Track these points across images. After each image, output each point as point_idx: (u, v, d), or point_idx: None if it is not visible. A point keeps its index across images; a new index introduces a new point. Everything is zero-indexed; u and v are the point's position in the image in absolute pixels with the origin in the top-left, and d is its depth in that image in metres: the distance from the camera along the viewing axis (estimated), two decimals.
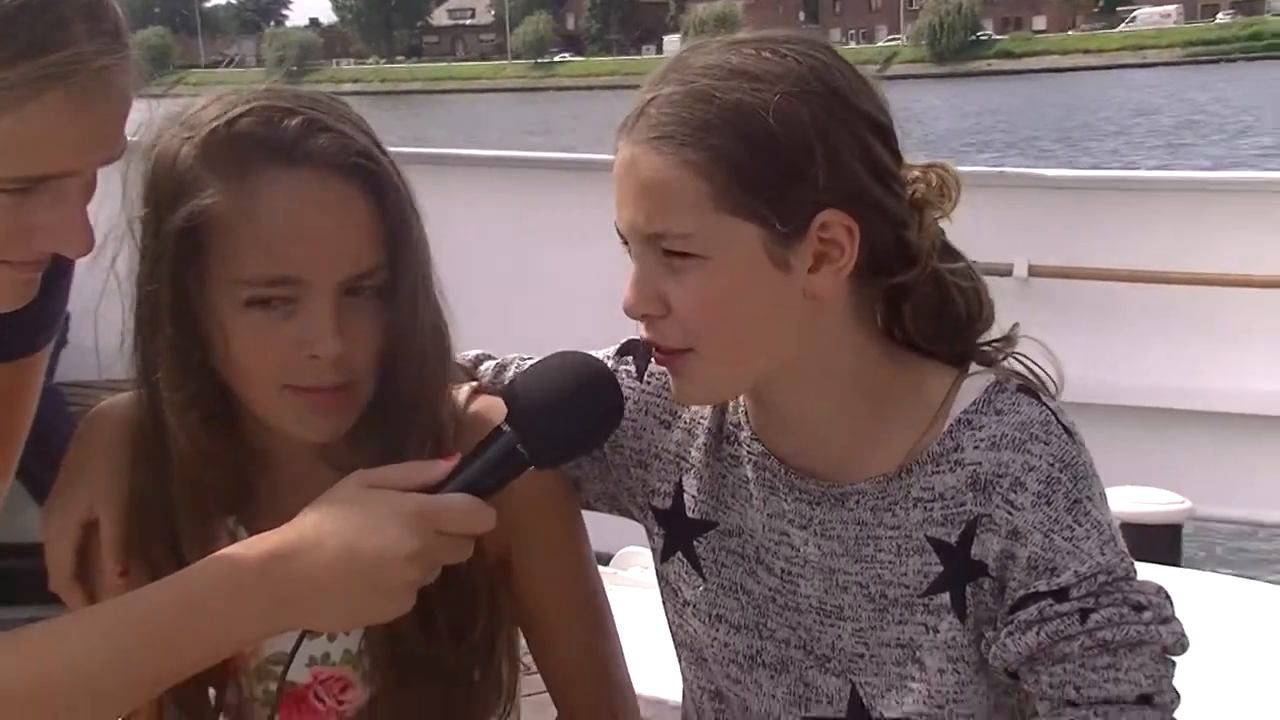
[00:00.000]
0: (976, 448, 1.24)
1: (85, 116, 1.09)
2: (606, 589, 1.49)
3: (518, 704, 1.47)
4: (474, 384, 1.42)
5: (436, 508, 1.17)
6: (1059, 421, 1.24)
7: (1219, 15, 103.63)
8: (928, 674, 1.26)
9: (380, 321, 1.26)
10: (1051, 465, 1.21)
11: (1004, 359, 1.30)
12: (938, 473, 1.25)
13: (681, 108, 1.19)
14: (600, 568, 1.63)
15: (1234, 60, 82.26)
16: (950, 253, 1.30)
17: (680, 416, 1.39)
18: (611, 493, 1.45)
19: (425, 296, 1.29)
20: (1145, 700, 1.18)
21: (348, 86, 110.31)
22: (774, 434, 1.32)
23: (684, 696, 1.47)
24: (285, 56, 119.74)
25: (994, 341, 1.30)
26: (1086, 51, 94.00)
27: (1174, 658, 1.21)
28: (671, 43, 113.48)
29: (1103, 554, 1.20)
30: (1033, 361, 1.29)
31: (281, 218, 1.22)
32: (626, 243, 1.26)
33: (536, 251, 4.67)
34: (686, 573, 1.39)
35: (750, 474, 1.34)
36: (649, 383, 1.40)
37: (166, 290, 1.24)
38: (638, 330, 1.28)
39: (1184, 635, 1.21)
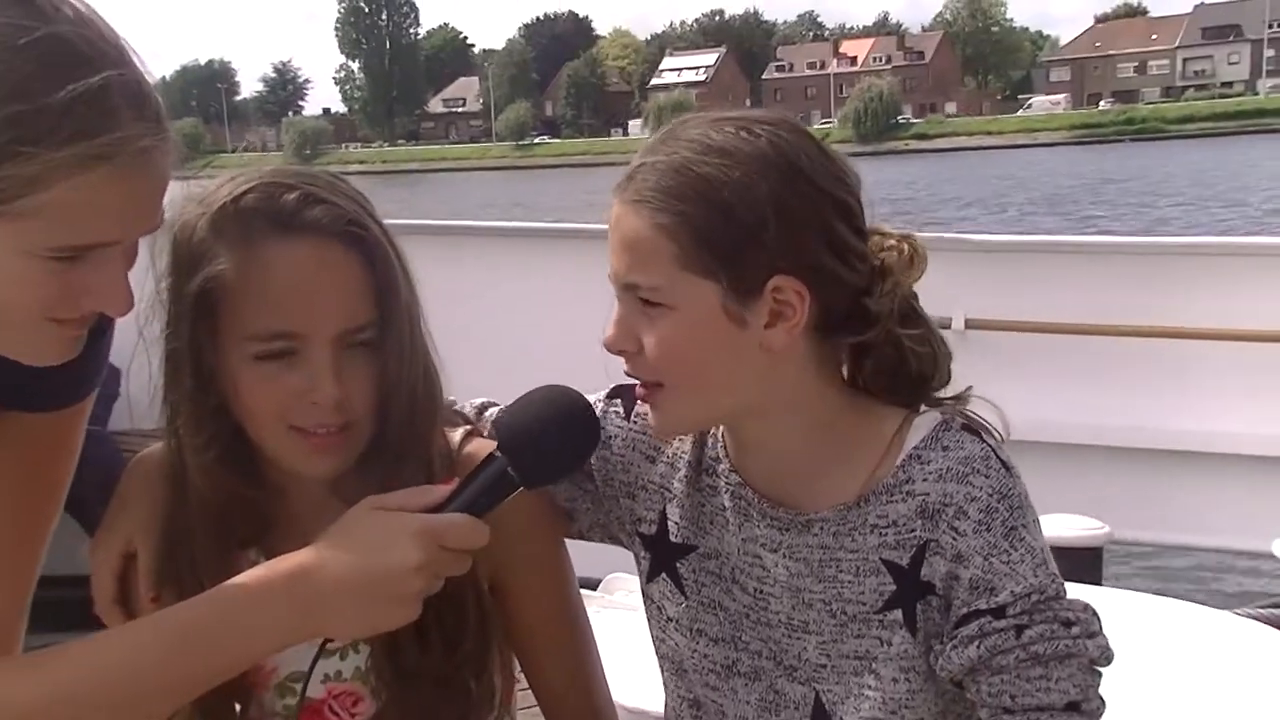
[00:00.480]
0: (925, 480, 1.25)
1: (127, 191, 1.11)
2: (595, 611, 1.54)
3: (514, 715, 1.51)
4: (468, 427, 1.45)
5: (439, 525, 1.20)
6: (998, 456, 1.26)
7: (1100, 104, 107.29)
8: (882, 683, 1.27)
9: (374, 369, 1.29)
10: (991, 496, 1.22)
11: (950, 404, 1.32)
12: (891, 502, 1.27)
13: (662, 176, 1.23)
14: (588, 592, 1.75)
15: (1111, 141, 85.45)
16: (912, 318, 1.31)
17: (663, 452, 1.42)
18: (603, 522, 1.48)
19: (414, 347, 1.32)
20: (1073, 707, 1.19)
21: (354, 167, 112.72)
22: (748, 466, 1.35)
23: (665, 707, 1.48)
24: (300, 142, 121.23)
25: (946, 399, 1.32)
26: (989, 133, 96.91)
27: (1100, 668, 1.22)
28: (634, 126, 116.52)
29: (1036, 575, 1.21)
30: (974, 412, 1.31)
31: (282, 280, 1.25)
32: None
33: (520, 309, 4.59)
34: (670, 591, 1.41)
35: (727, 502, 1.36)
36: (635, 422, 1.44)
37: (185, 347, 1.28)
38: (623, 371, 1.32)
39: (1109, 648, 1.22)
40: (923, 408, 1.31)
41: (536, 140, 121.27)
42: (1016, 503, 1.23)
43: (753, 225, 1.20)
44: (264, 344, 1.26)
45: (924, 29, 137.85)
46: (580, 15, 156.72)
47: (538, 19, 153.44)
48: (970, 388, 1.32)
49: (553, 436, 1.27)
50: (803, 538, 1.30)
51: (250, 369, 1.26)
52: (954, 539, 1.23)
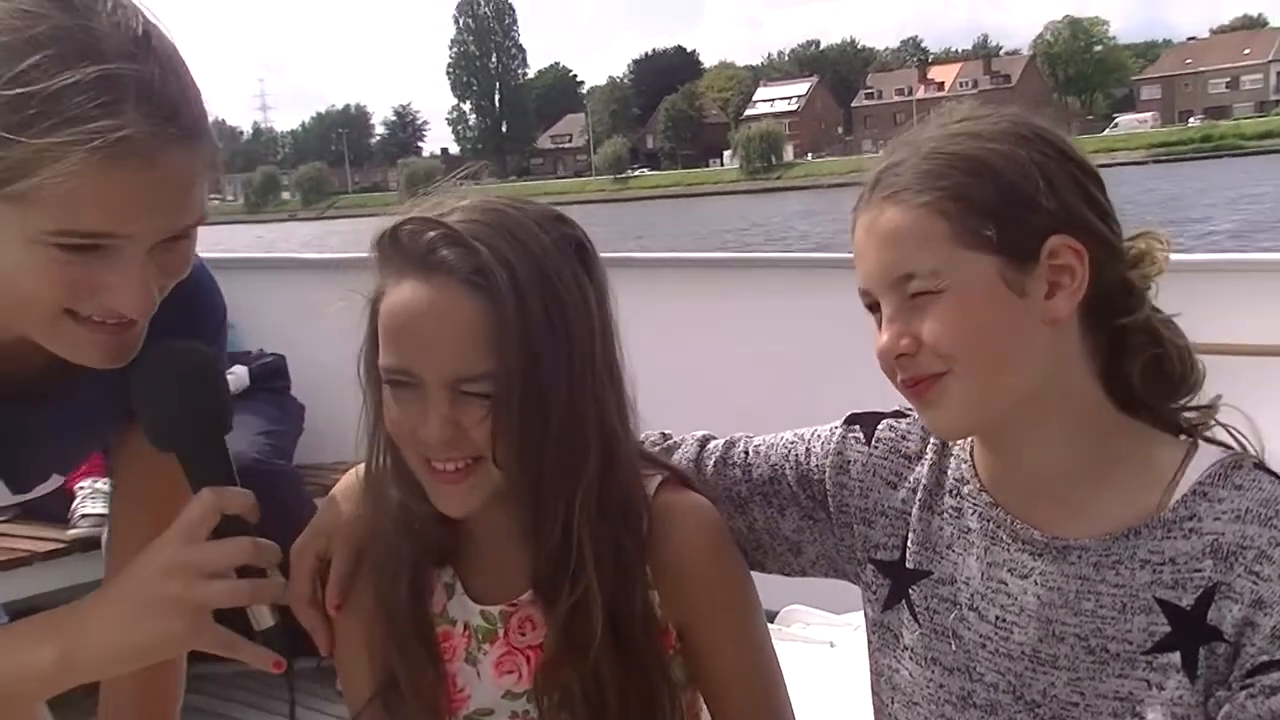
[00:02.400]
0: (1217, 519, 1.16)
1: (129, 182, 1.08)
2: (779, 644, 1.45)
3: None
4: (665, 475, 1.38)
5: (175, 526, 1.17)
6: None
7: (1190, 120, 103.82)
8: None
9: (499, 413, 1.23)
10: None
11: (1212, 427, 1.25)
12: (1169, 538, 1.18)
13: (913, 166, 1.19)
14: (767, 625, 1.69)
15: (1188, 159, 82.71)
16: (1157, 310, 1.26)
17: (905, 478, 1.36)
18: (830, 554, 1.42)
19: (550, 397, 1.24)
20: None
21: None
22: (1001, 487, 1.28)
23: None
24: (411, 182, 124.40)
25: (1198, 408, 1.25)
26: None
27: None
28: (728, 157, 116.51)
29: None
30: (1239, 433, 1.24)
31: (405, 318, 1.23)
32: (871, 309, 1.24)
33: (712, 340, 4.24)
34: (906, 619, 1.34)
35: (974, 524, 1.29)
36: (877, 447, 1.38)
37: (364, 363, 1.31)
38: (899, 381, 1.23)
39: None
40: (1200, 441, 1.24)
41: (634, 173, 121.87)
42: None
43: (1022, 185, 1.16)
44: (390, 375, 1.27)
45: (1021, 52, 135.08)
46: (688, 49, 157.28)
47: (646, 54, 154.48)
48: (1219, 396, 1.26)
49: (179, 407, 1.23)
50: (1058, 565, 1.22)
51: (387, 390, 1.28)
52: (1254, 584, 1.13)
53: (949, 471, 1.33)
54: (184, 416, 1.24)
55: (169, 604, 1.15)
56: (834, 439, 1.40)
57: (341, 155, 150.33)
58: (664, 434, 1.50)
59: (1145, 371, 1.24)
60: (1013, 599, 1.25)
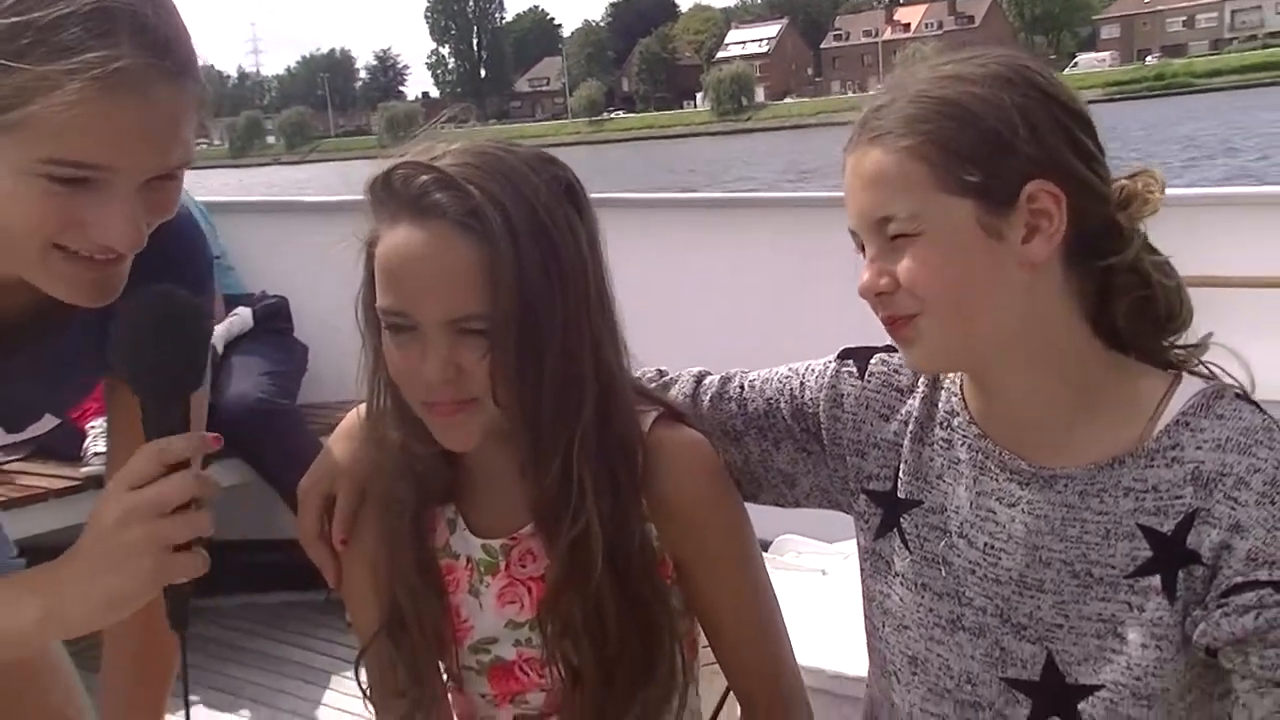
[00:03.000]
0: (1199, 448, 1.16)
1: (118, 113, 1.07)
2: (772, 573, 1.45)
3: (695, 674, 1.44)
4: (659, 410, 1.37)
5: (120, 474, 1.14)
6: None
7: (1148, 59, 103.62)
8: (1129, 647, 1.18)
9: (494, 354, 1.22)
10: (1276, 468, 1.13)
11: (1197, 364, 1.23)
12: (1151, 467, 1.18)
13: (896, 109, 1.18)
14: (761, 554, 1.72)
15: (1142, 98, 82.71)
16: (1151, 249, 1.23)
17: (898, 411, 1.36)
18: (824, 485, 1.42)
19: (546, 338, 1.23)
20: None
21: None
22: (990, 417, 1.27)
23: (870, 669, 1.41)
24: (390, 126, 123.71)
25: (1187, 346, 1.24)
26: None
27: None
28: (700, 99, 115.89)
29: None
30: (1220, 368, 1.23)
31: (401, 261, 1.22)
32: (860, 248, 1.24)
33: (701, 279, 4.17)
34: (898, 546, 1.34)
35: (963, 455, 1.29)
36: (870, 381, 1.38)
37: (362, 306, 1.29)
38: (879, 318, 1.23)
39: None
40: (1184, 373, 1.23)
41: (609, 116, 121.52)
42: None
43: (1001, 129, 1.15)
44: (388, 318, 1.25)
45: None
46: None
47: None
48: (1210, 334, 1.24)
49: (146, 355, 1.17)
50: (1044, 494, 1.23)
51: (386, 337, 1.27)
52: (1231, 509, 1.13)
53: (939, 404, 1.33)
54: (152, 364, 1.17)
55: (131, 549, 1.13)
56: (828, 373, 1.40)
57: (325, 100, 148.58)
58: (660, 371, 1.50)
59: (1131, 312, 1.22)
60: (1001, 526, 1.25)
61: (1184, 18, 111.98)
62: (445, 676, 1.41)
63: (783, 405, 1.41)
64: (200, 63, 1.15)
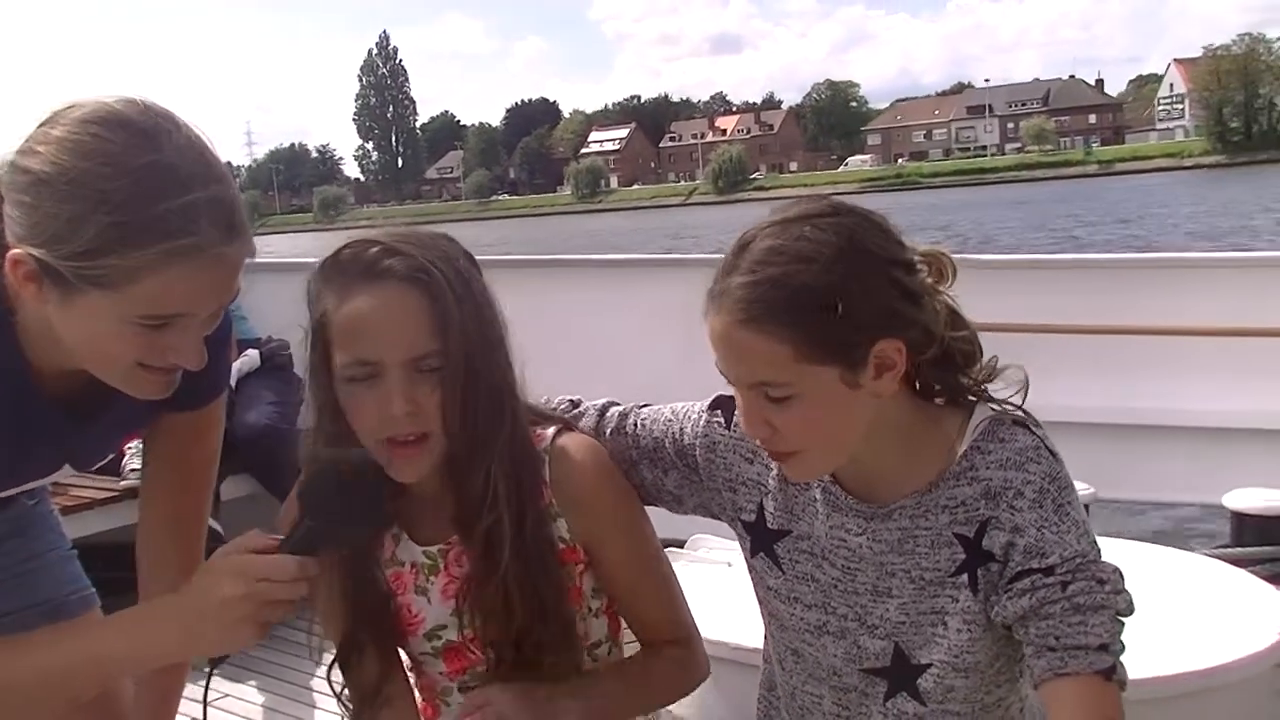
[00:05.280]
0: (988, 468, 1.24)
1: (204, 280, 1.16)
2: (684, 565, 1.56)
3: (621, 647, 1.48)
4: (560, 426, 1.41)
5: (254, 563, 1.20)
6: (1046, 446, 1.25)
7: (899, 161, 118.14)
8: (950, 632, 1.27)
9: (443, 390, 1.26)
10: (1043, 479, 1.22)
11: (988, 396, 1.29)
12: (958, 486, 1.25)
13: (754, 294, 1.18)
14: (676, 549, 1.83)
15: (886, 190, 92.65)
16: (956, 319, 1.28)
17: (759, 454, 1.36)
18: (706, 504, 1.45)
19: (477, 369, 1.28)
20: (1104, 648, 1.18)
21: (363, 223, 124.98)
22: (838, 468, 1.31)
23: (766, 646, 1.47)
24: (324, 205, 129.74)
25: (984, 384, 1.29)
26: (806, 185, 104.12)
27: (1124, 618, 1.21)
28: (564, 187, 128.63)
29: (1079, 543, 1.21)
30: (1014, 404, 1.28)
31: (364, 317, 1.25)
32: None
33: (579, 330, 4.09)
34: (768, 568, 1.38)
35: (818, 495, 1.33)
36: (735, 430, 1.38)
37: (311, 371, 1.31)
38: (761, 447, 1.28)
39: (1132, 602, 1.21)
40: (976, 410, 1.28)
41: (494, 198, 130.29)
42: (1064, 484, 1.23)
43: (850, 313, 1.17)
44: (352, 369, 1.27)
45: (793, 107, 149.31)
46: (550, 100, 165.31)
47: (516, 103, 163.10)
48: (995, 357, 1.30)
49: (338, 503, 1.25)
50: (884, 524, 1.29)
51: (346, 389, 1.28)
52: (1012, 515, 1.22)
53: None
54: (345, 520, 1.27)
55: (242, 623, 1.20)
56: (701, 422, 1.42)
57: (284, 183, 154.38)
58: (572, 401, 1.53)
59: (935, 373, 1.29)
60: (853, 551, 1.32)
61: (924, 132, 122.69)
62: (408, 662, 1.45)
63: (668, 444, 1.45)
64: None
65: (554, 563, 1.36)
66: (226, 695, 3.11)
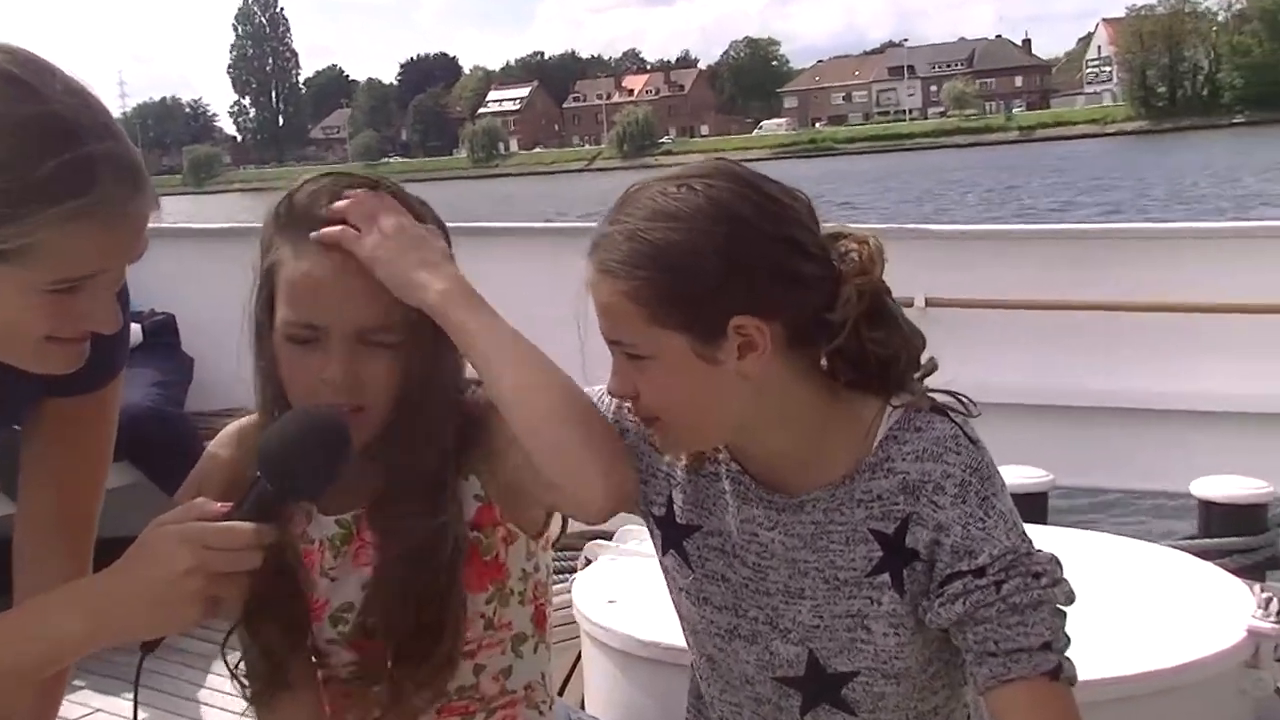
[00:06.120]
0: (904, 459, 1.18)
1: (110, 237, 1.10)
2: (612, 559, 1.52)
3: (549, 645, 1.40)
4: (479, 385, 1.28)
5: (204, 530, 1.11)
6: (965, 433, 1.19)
7: (817, 125, 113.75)
8: (874, 637, 1.21)
9: (396, 366, 1.21)
10: (964, 471, 1.16)
11: (920, 388, 1.22)
12: (874, 479, 1.19)
13: (620, 245, 1.16)
14: (604, 541, 1.75)
15: (800, 156, 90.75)
16: (879, 317, 1.20)
17: None
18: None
19: (441, 348, 1.21)
20: (1046, 646, 1.14)
21: (237, 185, 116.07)
22: (746, 456, 1.26)
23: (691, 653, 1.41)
24: (194, 166, 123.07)
25: (916, 379, 1.22)
26: (716, 152, 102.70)
27: (1065, 609, 1.17)
28: (460, 150, 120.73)
29: (1008, 538, 1.15)
30: (941, 391, 1.23)
31: (314, 277, 1.19)
32: None
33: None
34: (678, 566, 1.32)
35: (727, 487, 1.27)
36: None
37: (256, 319, 1.25)
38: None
39: (1072, 591, 1.17)
40: (898, 395, 1.22)
41: (383, 161, 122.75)
42: (986, 474, 1.17)
43: (704, 279, 1.13)
44: (295, 330, 1.21)
45: (709, 66, 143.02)
46: (450, 55, 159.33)
47: (412, 59, 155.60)
48: (933, 359, 1.24)
49: (299, 456, 1.16)
50: (796, 516, 1.23)
51: (285, 347, 1.22)
52: (934, 511, 1.17)
53: None
54: (298, 469, 1.16)
55: (192, 598, 1.11)
56: (612, 406, 1.33)
57: (155, 140, 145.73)
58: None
59: (848, 368, 1.22)
60: (764, 546, 1.26)
61: (844, 94, 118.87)
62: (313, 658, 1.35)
63: None
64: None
65: (459, 574, 1.27)
66: (98, 710, 2.91)
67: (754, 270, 1.15)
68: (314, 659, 1.36)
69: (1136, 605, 1.95)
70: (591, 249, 1.19)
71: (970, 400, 1.22)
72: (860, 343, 1.20)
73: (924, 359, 1.24)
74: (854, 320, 1.18)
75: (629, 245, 1.16)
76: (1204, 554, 2.36)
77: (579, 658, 1.60)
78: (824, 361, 1.22)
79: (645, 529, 1.37)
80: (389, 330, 1.20)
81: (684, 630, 1.37)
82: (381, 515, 1.28)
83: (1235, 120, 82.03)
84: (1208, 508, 3.11)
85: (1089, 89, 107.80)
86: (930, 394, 1.22)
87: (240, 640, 1.34)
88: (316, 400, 1.20)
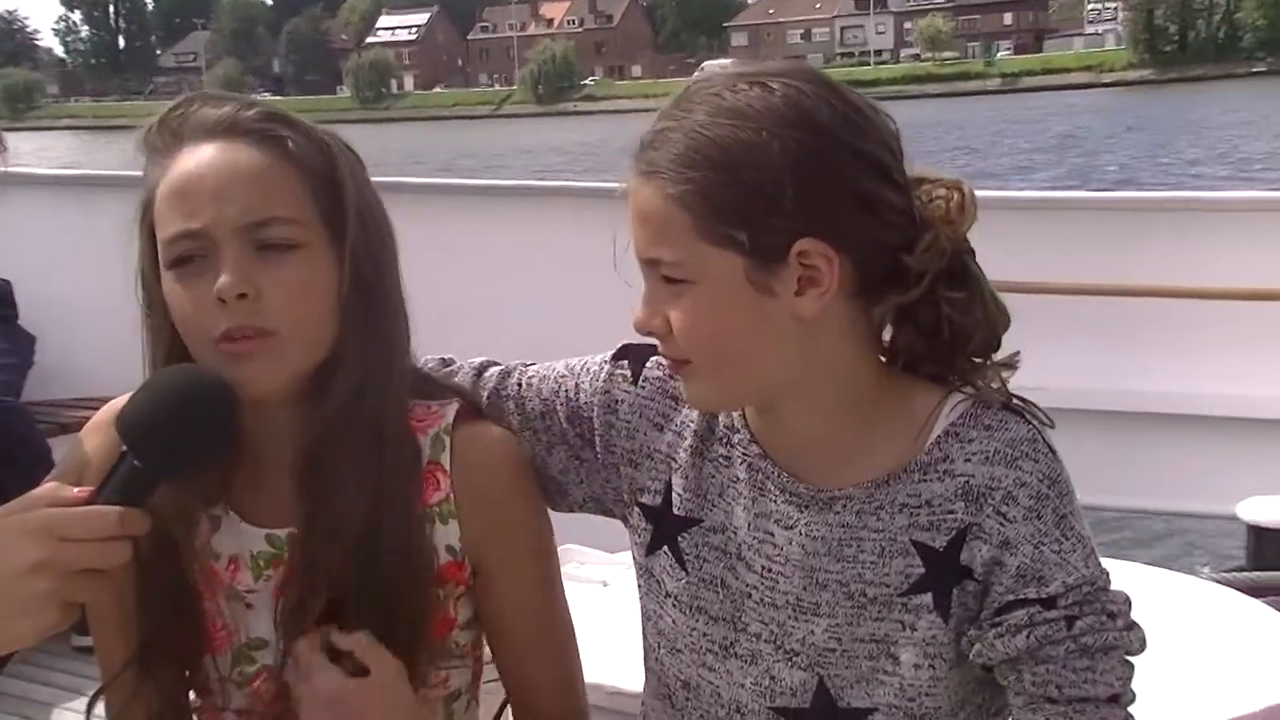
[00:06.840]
0: (968, 461, 1.13)
1: None
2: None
3: (479, 703, 1.36)
4: (459, 404, 1.27)
5: (56, 517, 1.03)
6: (1044, 440, 1.15)
7: None
8: (901, 668, 1.16)
9: (302, 274, 1.14)
10: (1041, 482, 1.12)
11: (995, 377, 1.16)
12: (925, 480, 1.14)
13: (672, 144, 1.10)
14: None
15: None
16: (960, 278, 1.14)
17: (672, 420, 1.27)
18: (597, 495, 1.32)
19: (365, 269, 1.17)
20: (1115, 699, 1.11)
21: (65, 121, 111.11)
22: (769, 438, 1.21)
23: (645, 686, 1.33)
24: (14, 96, 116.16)
25: (993, 365, 1.17)
26: (648, 96, 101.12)
27: (1133, 659, 1.14)
28: (343, 88, 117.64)
29: (1086, 566, 1.12)
30: (1016, 397, 1.18)
31: (188, 179, 1.14)
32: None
33: (504, 269, 4.07)
34: (670, 566, 1.26)
35: (742, 474, 1.22)
36: (643, 387, 1.29)
37: (140, 271, 1.19)
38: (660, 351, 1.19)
39: (1145, 639, 1.14)
40: (963, 387, 1.17)
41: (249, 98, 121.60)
42: (1065, 489, 1.13)
43: (768, 187, 1.08)
44: (175, 247, 1.14)
45: None
46: None
47: None
48: (1018, 354, 1.18)
49: (168, 424, 1.10)
50: (823, 515, 1.18)
51: (171, 281, 1.15)
52: (1001, 524, 1.12)
53: (720, 417, 1.26)
54: (184, 454, 1.11)
55: (42, 600, 1.04)
56: (601, 375, 1.30)
57: None
58: (443, 360, 1.40)
59: (915, 342, 1.18)
60: (779, 549, 1.20)
61: (802, 31, 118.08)
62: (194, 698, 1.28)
63: (559, 407, 1.32)
64: None
65: (425, 579, 1.23)
66: None
67: (829, 187, 1.09)
68: (192, 695, 1.26)
69: (1173, 649, 1.87)
70: (639, 150, 1.13)
71: (1045, 412, 1.17)
72: (935, 305, 1.14)
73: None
74: (932, 277, 1.12)
75: (685, 143, 1.10)
76: (1253, 590, 2.30)
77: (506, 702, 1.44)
78: (886, 335, 1.17)
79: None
80: (288, 223, 1.13)
81: (654, 652, 1.29)
82: (308, 500, 1.20)
83: (1255, 69, 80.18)
84: (1258, 534, 2.99)
85: (1089, 30, 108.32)
86: (1004, 390, 1.16)
87: (114, 691, 1.26)
88: (215, 334, 1.13)
